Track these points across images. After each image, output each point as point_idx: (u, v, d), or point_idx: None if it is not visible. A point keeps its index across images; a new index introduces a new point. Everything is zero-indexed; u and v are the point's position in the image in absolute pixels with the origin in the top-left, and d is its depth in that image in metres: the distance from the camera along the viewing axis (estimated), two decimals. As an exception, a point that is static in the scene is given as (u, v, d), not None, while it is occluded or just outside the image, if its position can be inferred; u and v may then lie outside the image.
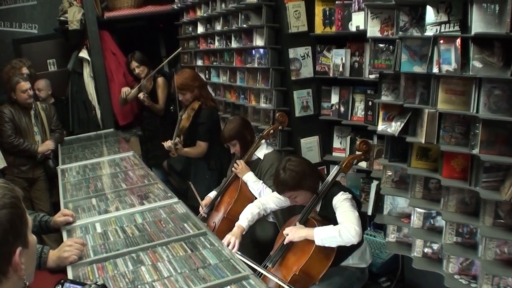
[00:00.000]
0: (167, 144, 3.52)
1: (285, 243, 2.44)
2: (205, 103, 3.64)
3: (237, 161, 3.15)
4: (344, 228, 2.25)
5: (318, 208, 2.52)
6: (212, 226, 3.13)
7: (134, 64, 4.60)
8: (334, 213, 2.40)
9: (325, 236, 2.29)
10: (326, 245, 2.31)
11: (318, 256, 2.37)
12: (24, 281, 1.14)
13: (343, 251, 2.45)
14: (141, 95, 4.44)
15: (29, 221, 1.19)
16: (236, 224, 2.70)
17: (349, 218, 2.29)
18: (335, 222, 2.36)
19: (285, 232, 2.46)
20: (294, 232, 2.40)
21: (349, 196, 2.43)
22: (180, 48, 4.94)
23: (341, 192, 2.43)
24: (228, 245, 2.50)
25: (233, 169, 3.15)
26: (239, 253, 2.40)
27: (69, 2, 5.14)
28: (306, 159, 2.66)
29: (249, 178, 3.07)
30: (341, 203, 2.38)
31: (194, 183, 3.39)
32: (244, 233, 2.66)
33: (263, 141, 3.17)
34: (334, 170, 2.57)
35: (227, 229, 3.04)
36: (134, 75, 4.71)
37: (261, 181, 3.05)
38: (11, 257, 1.11)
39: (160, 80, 4.64)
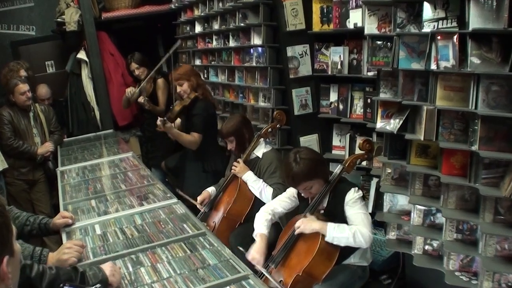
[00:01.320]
0: (158, 120, 3.54)
1: (295, 233, 2.41)
2: (202, 94, 3.64)
3: (235, 162, 3.15)
4: (359, 233, 2.27)
5: (324, 204, 2.51)
6: (211, 226, 3.13)
7: (134, 65, 4.59)
8: (342, 210, 2.41)
9: (338, 235, 2.30)
10: (335, 243, 2.32)
11: (321, 257, 2.37)
12: None
13: (346, 251, 2.45)
14: (141, 99, 4.41)
15: (14, 229, 1.16)
16: (258, 234, 2.58)
17: (364, 222, 2.32)
18: (340, 219, 2.38)
19: (296, 225, 2.42)
20: (306, 224, 2.37)
21: (361, 194, 2.45)
22: (179, 41, 4.91)
23: (354, 189, 2.44)
24: (252, 260, 2.44)
25: (232, 169, 3.15)
26: (265, 270, 2.37)
27: (66, 4, 5.13)
28: (313, 149, 2.63)
29: (249, 178, 3.06)
30: (355, 202, 2.39)
31: (189, 184, 3.38)
32: (267, 238, 2.58)
33: (261, 139, 3.17)
34: (337, 169, 2.56)
35: (227, 229, 3.05)
36: (134, 76, 4.69)
37: (261, 180, 3.04)
38: None
39: (160, 81, 4.63)
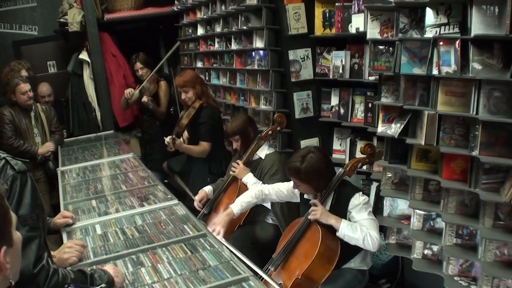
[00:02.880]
0: (167, 138, 3.59)
1: (310, 217, 2.45)
2: (206, 102, 3.67)
3: (234, 163, 3.16)
4: (369, 237, 2.31)
5: (327, 207, 2.51)
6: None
7: (138, 65, 4.62)
8: (345, 213, 2.43)
9: (349, 234, 2.34)
10: (345, 240, 2.37)
11: (321, 261, 2.37)
12: (10, 280, 1.12)
13: (346, 255, 2.46)
14: (145, 98, 4.43)
15: (14, 219, 1.15)
16: (228, 210, 2.76)
17: (374, 227, 2.37)
18: None
19: (313, 203, 2.46)
20: (323, 214, 2.42)
21: (367, 199, 2.48)
22: (179, 43, 4.92)
23: (359, 194, 2.46)
24: (213, 231, 2.58)
25: (231, 172, 3.16)
26: (224, 240, 2.49)
27: (69, 4, 5.14)
28: (327, 157, 2.62)
29: (249, 180, 3.07)
30: (363, 208, 2.42)
31: (194, 186, 3.40)
32: (234, 217, 2.75)
33: (263, 141, 3.18)
34: (338, 172, 2.57)
35: (227, 230, 3.04)
36: (137, 76, 4.71)
37: (261, 182, 3.05)
38: None
39: (163, 83, 4.65)
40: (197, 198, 3.22)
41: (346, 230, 2.34)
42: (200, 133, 3.63)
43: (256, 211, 3.12)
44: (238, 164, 3.12)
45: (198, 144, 3.63)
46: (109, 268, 1.81)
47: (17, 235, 1.17)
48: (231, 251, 2.13)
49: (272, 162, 3.07)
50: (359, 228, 2.34)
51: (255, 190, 2.82)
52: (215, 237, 2.41)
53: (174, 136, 3.58)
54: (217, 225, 2.67)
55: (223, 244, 2.27)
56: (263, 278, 2.36)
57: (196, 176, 3.69)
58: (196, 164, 3.73)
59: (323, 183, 2.51)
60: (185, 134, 3.89)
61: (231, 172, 3.16)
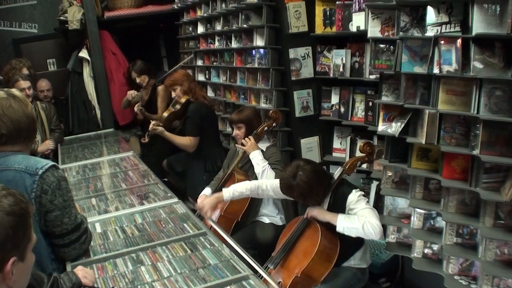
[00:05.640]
0: (150, 125, 3.70)
1: (308, 218, 2.48)
2: (193, 97, 3.75)
3: (246, 138, 3.17)
4: (368, 223, 2.29)
5: (325, 206, 2.51)
6: (209, 225, 3.13)
7: (134, 74, 4.68)
8: (343, 212, 2.42)
9: (348, 225, 2.33)
10: (346, 234, 2.35)
11: (321, 259, 2.38)
12: None
13: (345, 252, 2.46)
14: (136, 108, 4.44)
15: (33, 239, 1.21)
16: (219, 193, 2.76)
17: (371, 214, 2.35)
18: None
19: (310, 213, 2.48)
20: (319, 212, 2.44)
21: (363, 193, 2.48)
22: (192, 56, 4.96)
23: (355, 191, 2.47)
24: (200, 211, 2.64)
25: (242, 144, 3.17)
26: (213, 220, 2.56)
27: (69, 2, 5.14)
28: (319, 169, 2.56)
29: (256, 156, 3.10)
30: (358, 201, 2.42)
31: (192, 185, 3.41)
32: (223, 201, 2.75)
33: (260, 136, 3.19)
34: (338, 171, 2.57)
35: (225, 227, 3.06)
36: (136, 83, 4.73)
37: (267, 162, 3.06)
38: (4, 264, 1.11)
39: (160, 89, 4.65)
40: (199, 201, 3.19)
41: (344, 223, 2.33)
42: (186, 127, 3.69)
43: (254, 206, 3.13)
44: (249, 139, 3.14)
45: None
46: (77, 270, 1.81)
47: (31, 256, 1.22)
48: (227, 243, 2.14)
49: (275, 151, 3.15)
50: (356, 217, 2.33)
51: (251, 184, 2.76)
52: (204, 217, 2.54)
53: (154, 125, 3.67)
54: (205, 206, 2.71)
55: (214, 227, 2.29)
56: (262, 277, 2.36)
57: (194, 175, 3.71)
58: (191, 164, 3.77)
59: (320, 194, 2.48)
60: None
61: (241, 146, 3.18)
